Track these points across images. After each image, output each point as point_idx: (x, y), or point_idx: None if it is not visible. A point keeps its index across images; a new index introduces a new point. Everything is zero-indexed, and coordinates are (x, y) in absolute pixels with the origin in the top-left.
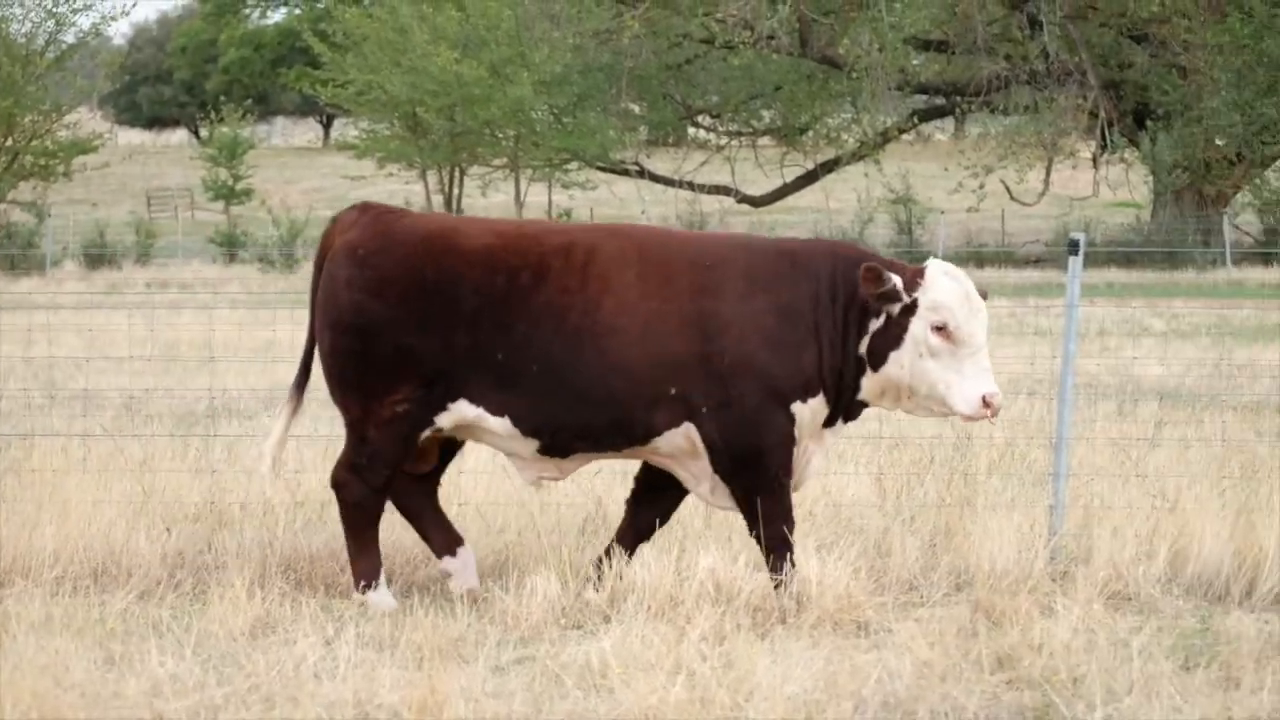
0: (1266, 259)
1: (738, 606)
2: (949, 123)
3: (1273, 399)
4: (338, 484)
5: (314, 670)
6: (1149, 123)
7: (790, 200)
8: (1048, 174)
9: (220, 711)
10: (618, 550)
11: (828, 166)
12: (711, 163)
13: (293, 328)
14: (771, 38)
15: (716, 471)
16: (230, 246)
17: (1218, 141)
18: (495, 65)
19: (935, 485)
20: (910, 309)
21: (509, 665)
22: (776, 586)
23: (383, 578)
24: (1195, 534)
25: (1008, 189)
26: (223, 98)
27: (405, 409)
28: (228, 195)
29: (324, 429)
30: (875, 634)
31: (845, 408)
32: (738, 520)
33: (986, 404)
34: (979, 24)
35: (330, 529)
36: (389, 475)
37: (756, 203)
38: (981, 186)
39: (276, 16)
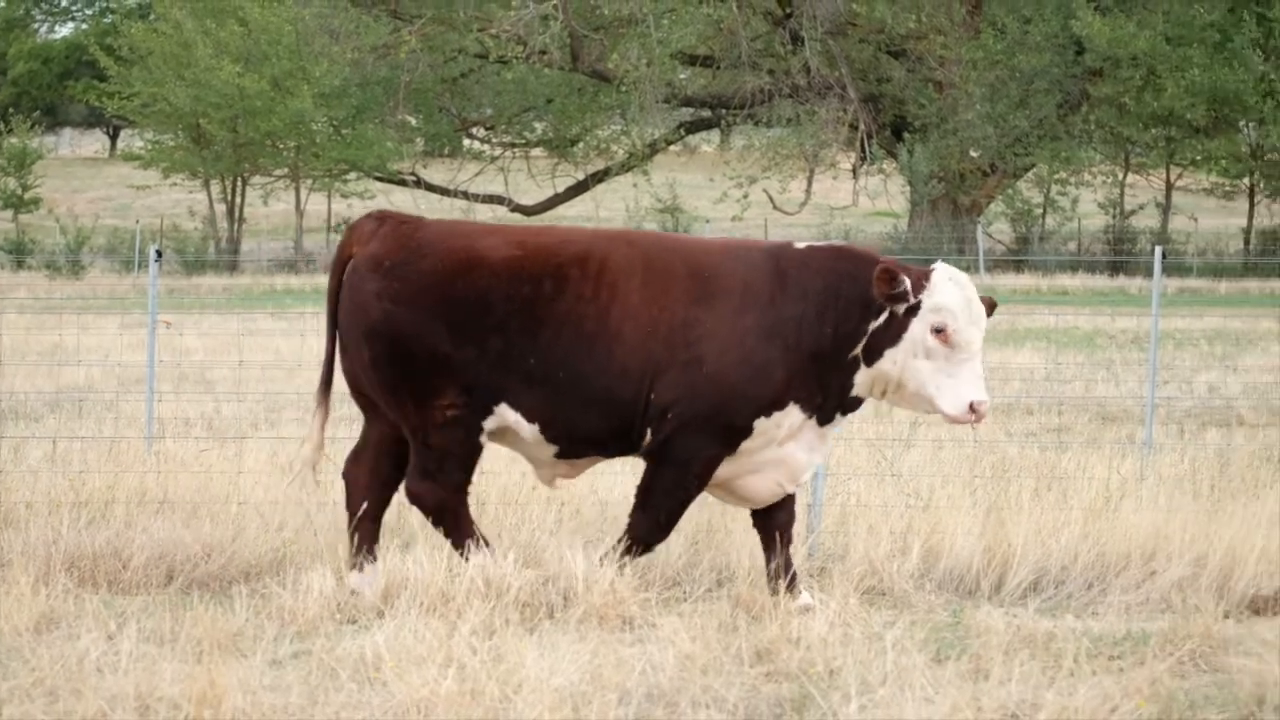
0: (1018, 266)
1: (507, 602)
2: (715, 135)
3: (1023, 400)
4: (414, 496)
5: (96, 664)
6: (906, 135)
7: (561, 209)
8: (809, 184)
9: (4, 705)
10: (773, 562)
11: (598, 177)
12: (486, 173)
13: (79, 332)
14: (544, 52)
15: (647, 450)
16: (18, 254)
17: (972, 153)
18: (276, 78)
19: None
20: (913, 310)
21: (286, 659)
22: (619, 552)
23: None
24: (947, 531)
25: (771, 199)
26: (11, 109)
27: (456, 413)
28: (16, 204)
29: (107, 430)
30: (640, 628)
31: (841, 405)
32: (507, 518)
33: (973, 409)
34: (743, 40)
35: (113, 527)
36: (463, 474)
37: (529, 212)
38: (746, 196)
39: (64, 31)
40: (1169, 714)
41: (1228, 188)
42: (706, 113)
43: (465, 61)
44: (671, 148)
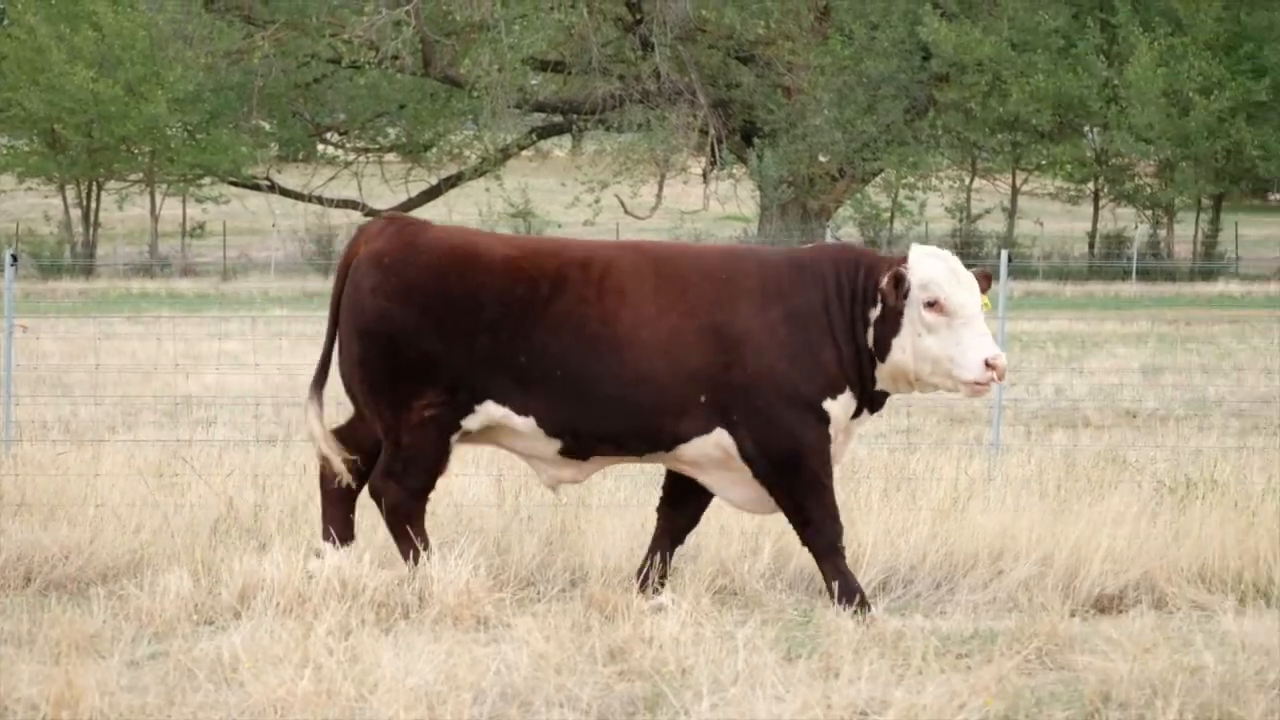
0: None
1: (363, 603)
2: (566, 140)
3: None
4: (375, 492)
5: None
6: (756, 140)
7: (414, 214)
8: (660, 189)
9: None
10: (655, 557)
11: (451, 181)
12: (340, 178)
13: None
14: (396, 58)
15: (758, 479)
16: None
17: (821, 158)
18: (131, 84)
19: None
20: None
21: (143, 660)
22: (831, 590)
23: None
24: None
25: (622, 203)
26: None
27: (433, 413)
28: None
29: None
30: (494, 628)
31: (869, 399)
32: (364, 519)
33: (990, 365)
34: (594, 45)
35: None
36: (427, 478)
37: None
38: (597, 201)
39: None
40: (1016, 711)
41: (1072, 192)
42: (558, 118)
43: (318, 67)
44: (524, 152)
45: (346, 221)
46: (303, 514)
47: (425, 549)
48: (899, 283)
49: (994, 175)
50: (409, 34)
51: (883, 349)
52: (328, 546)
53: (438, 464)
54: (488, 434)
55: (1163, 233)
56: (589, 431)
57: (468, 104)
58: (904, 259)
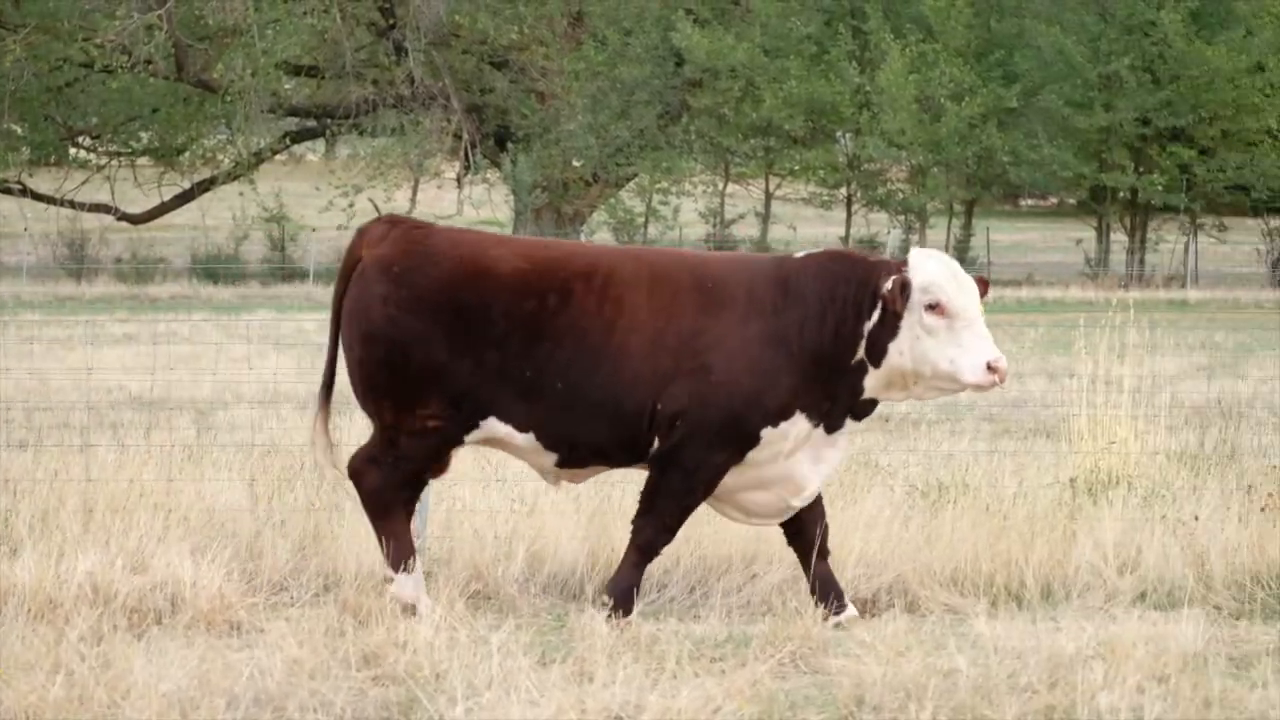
0: None
1: (115, 608)
2: (320, 144)
3: None
4: (355, 473)
5: None
6: (510, 145)
7: (168, 218)
8: (414, 193)
9: None
10: (814, 577)
11: (204, 186)
12: (92, 182)
13: None
14: (149, 62)
15: (650, 461)
16: None
17: (575, 162)
18: None
19: (305, 490)
20: None
21: None
22: (616, 579)
23: (417, 564)
24: (552, 536)
25: (376, 207)
26: None
27: (437, 425)
28: None
29: None
30: (248, 633)
31: (851, 410)
32: (115, 524)
33: (992, 369)
34: (348, 50)
35: None
36: (411, 476)
37: (135, 220)
38: (351, 205)
39: None
40: (770, 715)
41: (825, 197)
42: (312, 122)
43: (70, 70)
44: (277, 157)
45: (99, 225)
46: (53, 519)
47: (405, 543)
48: (905, 289)
49: (747, 180)
50: (161, 39)
51: (878, 355)
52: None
53: (427, 468)
54: (486, 443)
55: (915, 238)
56: (584, 443)
57: (221, 108)
58: (904, 263)
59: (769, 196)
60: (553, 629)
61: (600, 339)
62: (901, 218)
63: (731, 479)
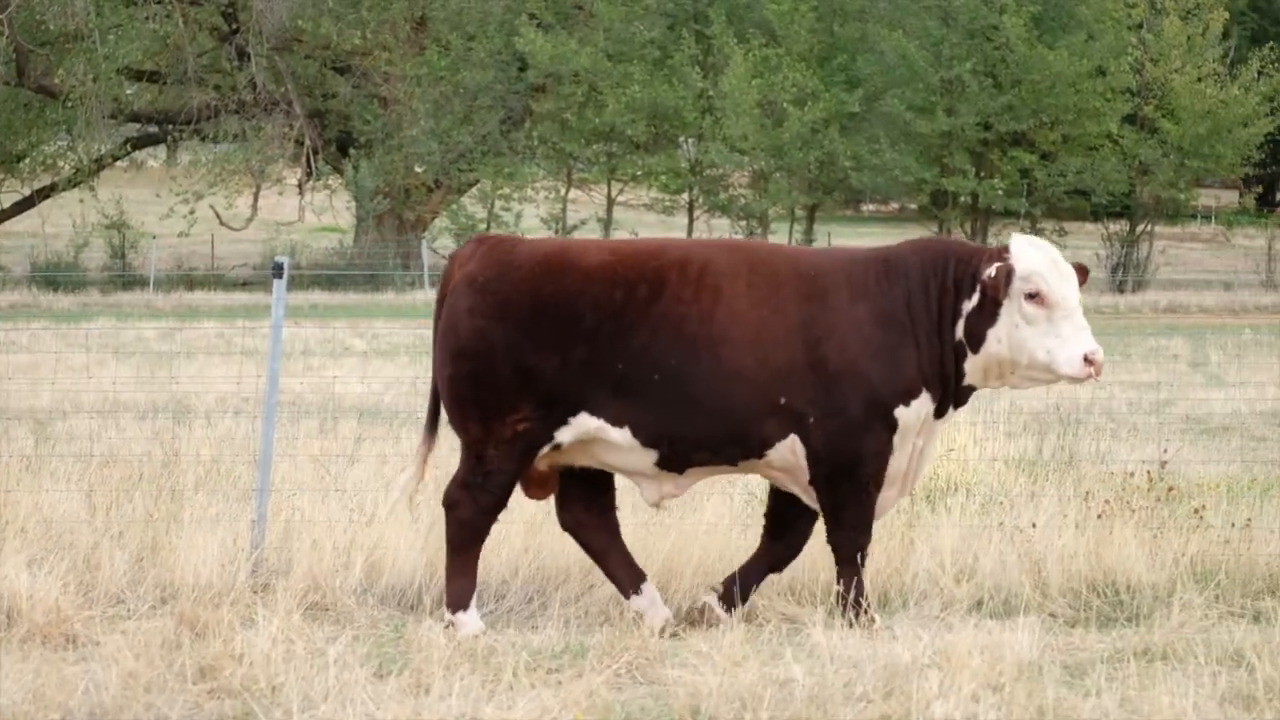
0: None
1: None
2: (162, 150)
3: None
4: (451, 502)
5: None
6: (352, 151)
7: (7, 225)
8: (255, 200)
9: None
10: (743, 578)
11: (44, 192)
12: None
13: None
14: None
15: (813, 480)
16: None
17: (417, 169)
18: None
19: (144, 501)
20: None
21: None
22: (844, 595)
23: (473, 602)
24: (390, 546)
25: (217, 215)
26: None
27: (526, 427)
28: None
29: None
30: (83, 646)
31: (954, 395)
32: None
33: (1089, 361)
34: (190, 55)
35: None
36: (501, 496)
37: None
38: (192, 212)
39: None
40: None
41: (668, 202)
42: (154, 128)
43: None
44: (118, 163)
45: None
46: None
47: (471, 580)
48: (1008, 276)
49: (590, 186)
50: (2, 44)
51: (976, 341)
52: (634, 600)
53: (514, 481)
54: (582, 449)
55: None
56: (685, 438)
57: (62, 114)
58: (1005, 249)
59: (611, 202)
60: (390, 640)
61: (697, 329)
62: (744, 223)
63: None
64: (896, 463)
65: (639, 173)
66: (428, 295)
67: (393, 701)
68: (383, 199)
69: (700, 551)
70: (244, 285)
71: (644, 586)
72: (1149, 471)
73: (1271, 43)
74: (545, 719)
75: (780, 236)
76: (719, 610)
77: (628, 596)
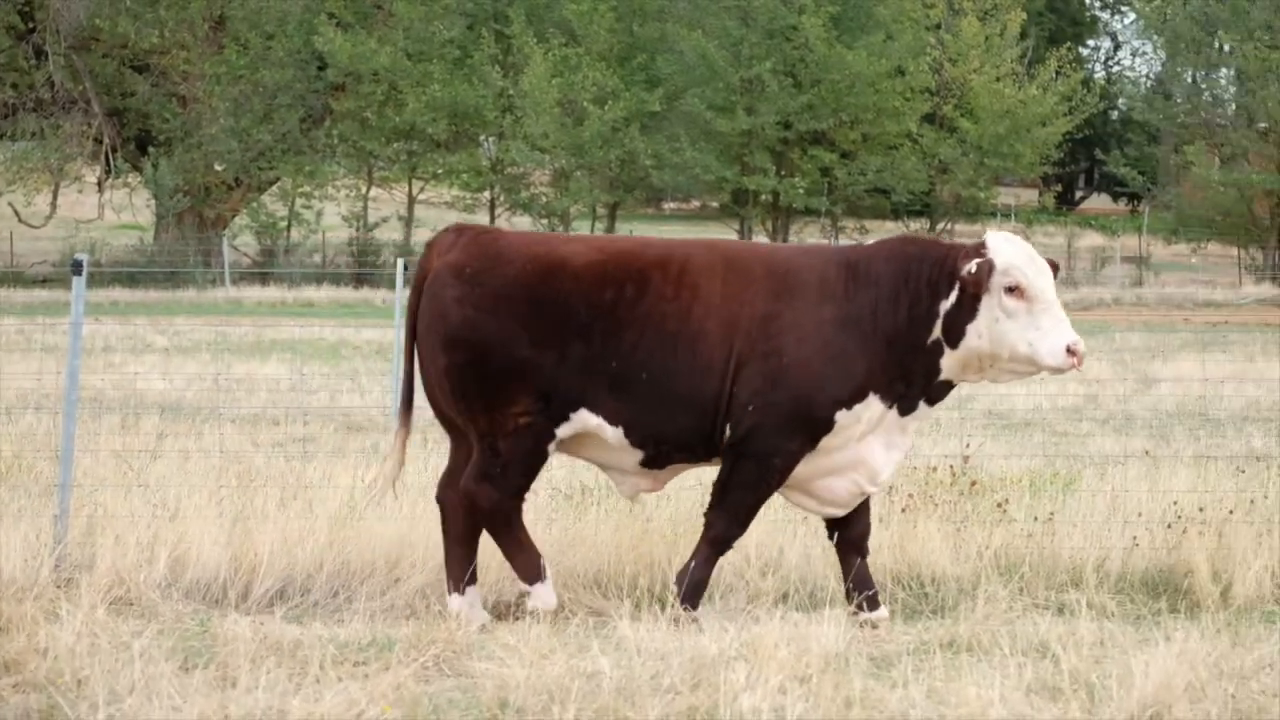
0: (264, 278)
1: None
2: None
3: (269, 411)
4: (469, 495)
5: None
6: (151, 149)
7: None
8: (55, 198)
9: None
10: (851, 575)
11: None
12: None
13: None
14: None
15: (722, 452)
16: None
17: (217, 167)
18: None
19: None
20: None
21: None
22: (688, 572)
23: (549, 573)
24: (195, 540)
25: (16, 212)
26: None
27: (528, 420)
28: None
29: None
30: None
31: (925, 393)
32: None
33: (1071, 352)
34: None
35: None
36: (523, 480)
37: None
38: None
39: None
40: (413, 717)
41: (469, 201)
42: None
43: None
44: None
45: None
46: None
47: (532, 548)
48: (989, 270)
49: (391, 184)
50: None
51: (955, 337)
52: (456, 591)
53: (535, 467)
54: (571, 445)
55: None
56: (669, 438)
57: None
58: (982, 245)
59: (412, 200)
60: (196, 634)
61: (676, 326)
62: (545, 221)
63: (805, 467)
64: (843, 455)
65: (440, 171)
66: (229, 293)
67: (199, 695)
68: (183, 197)
69: None
70: (44, 282)
71: (470, 589)
72: (952, 466)
73: (1069, 43)
74: (352, 712)
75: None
76: (880, 613)
77: (451, 591)
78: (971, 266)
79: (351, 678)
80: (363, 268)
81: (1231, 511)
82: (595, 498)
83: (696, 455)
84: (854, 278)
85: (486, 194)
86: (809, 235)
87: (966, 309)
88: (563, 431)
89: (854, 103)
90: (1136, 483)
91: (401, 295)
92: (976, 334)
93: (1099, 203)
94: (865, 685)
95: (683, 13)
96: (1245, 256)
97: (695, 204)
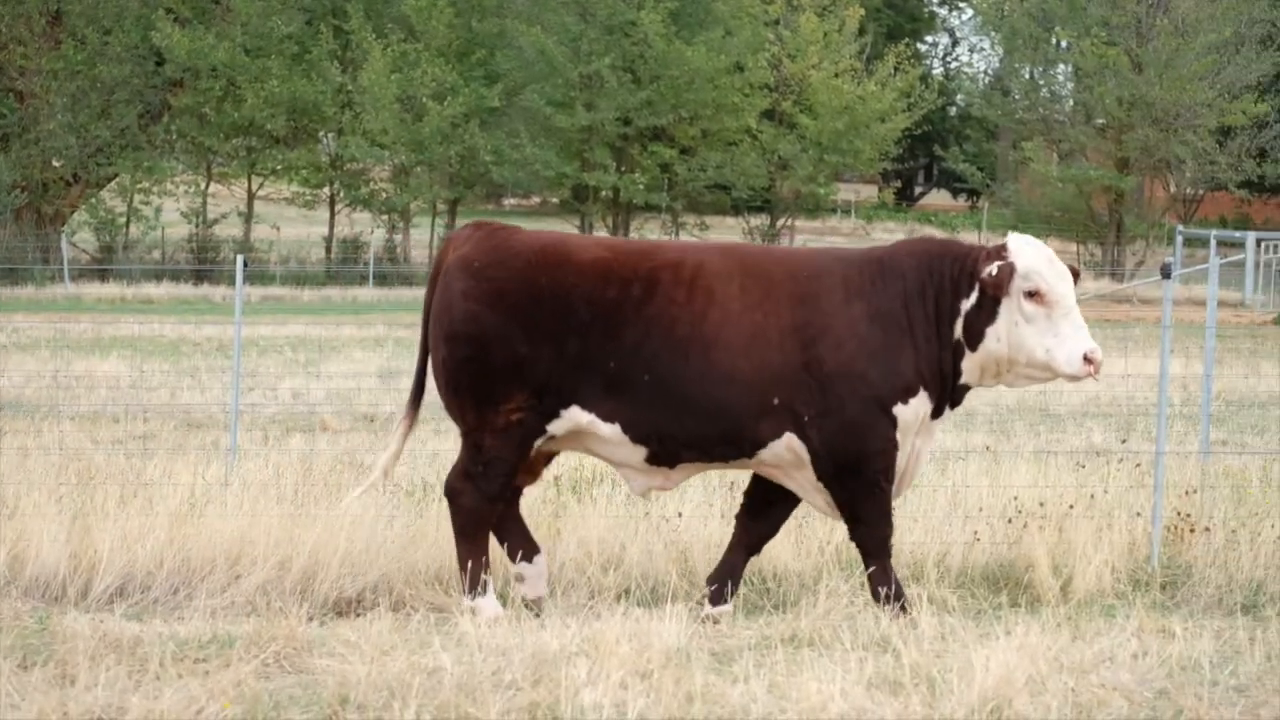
0: (103, 275)
1: None
2: None
3: (109, 408)
4: (453, 491)
5: None
6: None
7: None
8: None
9: None
10: (729, 567)
11: None
12: None
13: None
14: None
15: (824, 481)
16: None
17: (55, 163)
18: None
19: None
20: None
21: None
22: (875, 588)
23: (492, 585)
24: (34, 538)
25: None
26: None
27: (520, 417)
28: None
29: None
30: None
31: (950, 395)
32: None
33: (1089, 360)
34: None
35: None
36: (504, 482)
37: None
38: None
39: None
40: (254, 715)
41: (309, 197)
42: None
43: None
44: None
45: None
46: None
47: (483, 564)
48: (1010, 274)
49: (230, 180)
50: None
51: (975, 339)
52: (521, 566)
53: (516, 468)
54: (573, 440)
55: (399, 237)
56: (674, 436)
57: None
58: (1003, 247)
59: (252, 196)
60: (34, 632)
61: (687, 330)
62: (385, 217)
63: None
64: (898, 461)
65: (279, 167)
66: (68, 289)
67: (37, 693)
68: (20, 193)
69: (345, 543)
70: None
71: (536, 558)
72: None
73: (907, 39)
74: (192, 709)
75: (423, 231)
76: (722, 609)
77: (515, 561)
78: (992, 269)
79: (192, 675)
80: (202, 264)
81: (1072, 506)
82: (436, 494)
83: (712, 456)
84: (881, 274)
85: (326, 190)
86: (649, 231)
87: (986, 311)
88: (554, 428)
89: (693, 99)
90: (977, 478)
91: (242, 292)
92: (995, 337)
93: (938, 199)
94: (706, 680)
95: (521, 8)
96: (1084, 252)
97: (536, 200)
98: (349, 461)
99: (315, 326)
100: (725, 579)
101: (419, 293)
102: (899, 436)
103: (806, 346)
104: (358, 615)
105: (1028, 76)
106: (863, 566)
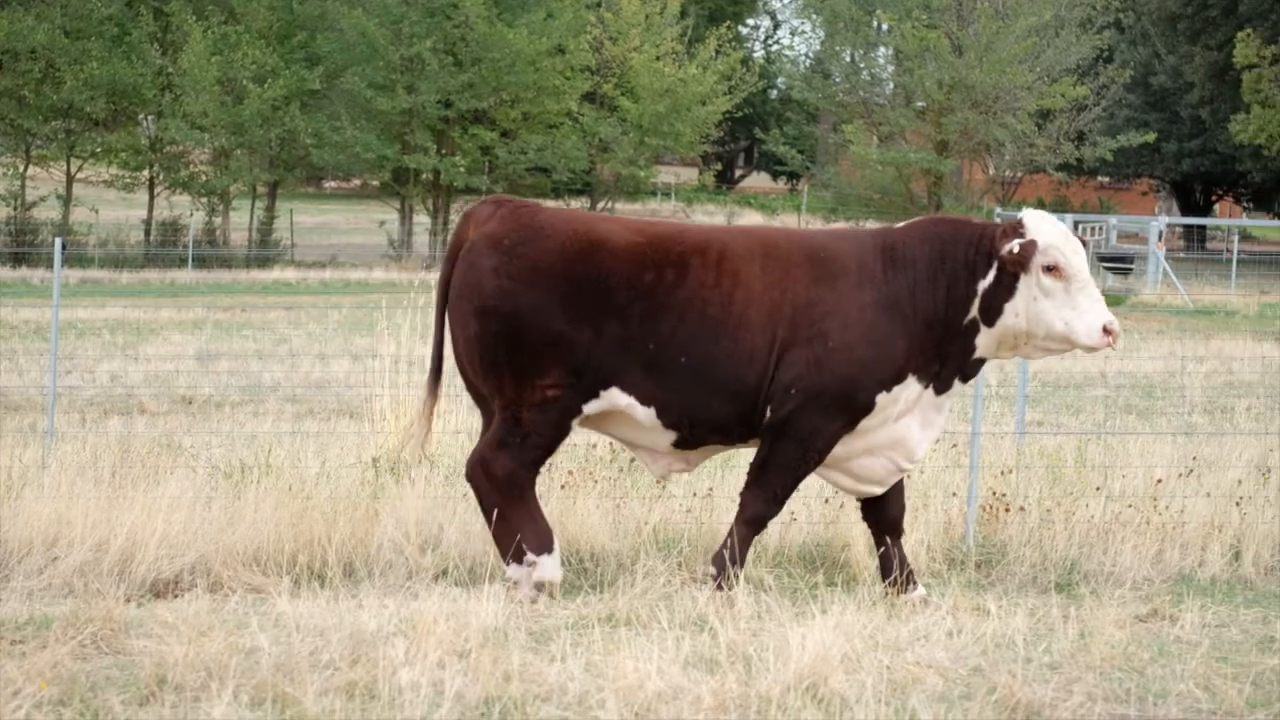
0: None
1: None
2: None
3: None
4: (484, 461)
5: None
6: None
7: None
8: None
9: None
10: (889, 557)
11: None
12: None
13: None
14: None
15: (762, 432)
16: None
17: None
18: None
19: None
20: None
21: None
22: (725, 550)
23: (557, 546)
24: None
25: None
26: None
27: (556, 394)
28: None
29: None
30: None
31: (961, 371)
32: None
33: (1107, 331)
34: None
35: None
36: (542, 453)
37: None
38: None
39: None
40: (71, 696)
41: (128, 180)
42: None
43: None
44: None
45: None
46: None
47: (543, 524)
48: (1032, 250)
49: (49, 163)
50: None
51: (993, 315)
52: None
53: (555, 442)
54: (598, 421)
55: (219, 220)
56: (704, 420)
57: None
58: (1020, 224)
59: (71, 179)
60: None
61: (718, 312)
62: (205, 200)
63: (842, 447)
64: (880, 435)
65: (98, 150)
66: None
67: None
68: None
69: (163, 525)
70: None
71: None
72: (611, 443)
73: (729, 22)
74: (9, 690)
75: (243, 214)
76: (920, 593)
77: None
78: (1014, 246)
79: (8, 656)
80: (20, 247)
81: None
82: (254, 476)
83: (731, 438)
84: (891, 261)
85: (145, 173)
86: (462, 206)
87: (1005, 288)
88: (590, 408)
89: (514, 81)
90: None
91: (60, 275)
92: (1014, 312)
93: (758, 181)
94: (524, 659)
95: None
96: None
97: (356, 183)
98: (166, 444)
99: (134, 309)
100: (897, 569)
101: (238, 275)
102: (872, 419)
103: (814, 322)
104: (175, 596)
105: (848, 59)
106: (684, 544)
